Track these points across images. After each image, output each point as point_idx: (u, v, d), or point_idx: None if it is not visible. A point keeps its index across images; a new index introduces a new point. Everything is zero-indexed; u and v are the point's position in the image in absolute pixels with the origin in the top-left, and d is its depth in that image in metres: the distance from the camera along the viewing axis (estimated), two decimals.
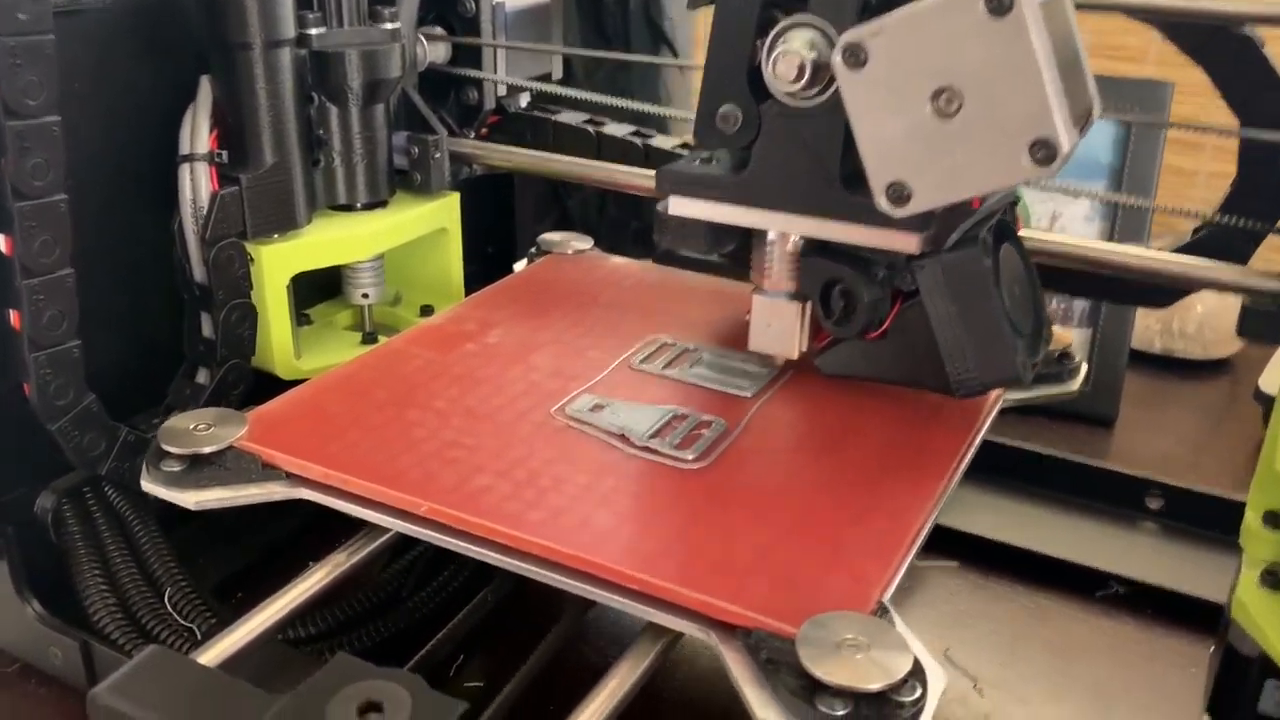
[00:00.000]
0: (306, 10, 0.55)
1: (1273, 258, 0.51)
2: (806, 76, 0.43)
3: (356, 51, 0.56)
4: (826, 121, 0.43)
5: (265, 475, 0.43)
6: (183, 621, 0.50)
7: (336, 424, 0.46)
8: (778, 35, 0.43)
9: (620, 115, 0.65)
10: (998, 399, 0.52)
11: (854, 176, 0.42)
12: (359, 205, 0.60)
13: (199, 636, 0.49)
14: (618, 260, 0.66)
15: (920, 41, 0.39)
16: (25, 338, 0.46)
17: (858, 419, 0.48)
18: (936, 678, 0.33)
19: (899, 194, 0.41)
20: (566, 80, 0.77)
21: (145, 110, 0.53)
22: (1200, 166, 0.50)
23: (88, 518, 0.53)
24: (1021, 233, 0.55)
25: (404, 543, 0.54)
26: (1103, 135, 0.78)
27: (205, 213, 0.52)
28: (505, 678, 0.50)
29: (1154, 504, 0.62)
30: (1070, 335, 0.56)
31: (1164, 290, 0.53)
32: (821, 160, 0.44)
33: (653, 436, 0.45)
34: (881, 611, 0.36)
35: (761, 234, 0.48)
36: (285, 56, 0.53)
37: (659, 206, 0.49)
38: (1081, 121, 0.41)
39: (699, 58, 0.46)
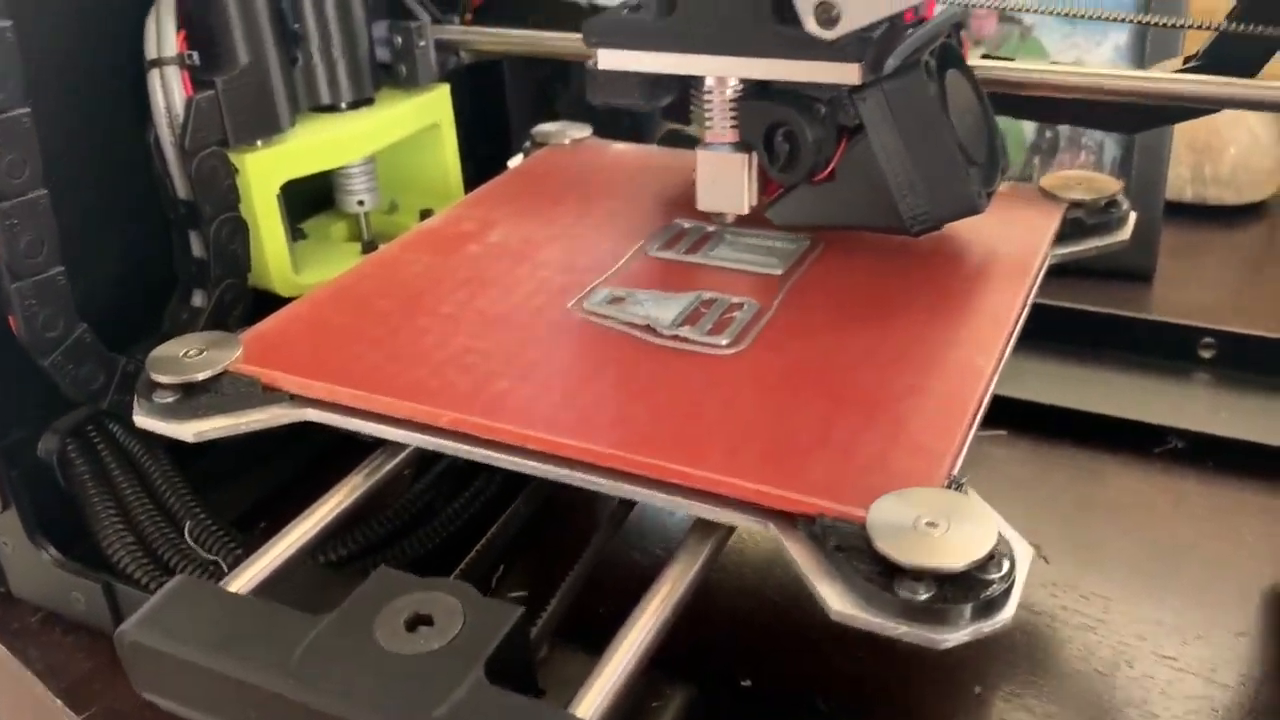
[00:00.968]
0: None
1: None
2: None
3: None
4: None
5: (267, 399, 0.40)
6: (206, 555, 0.47)
7: (339, 338, 0.43)
8: None
9: None
10: (1046, 256, 0.49)
11: (785, 8, 0.40)
12: (343, 105, 0.56)
13: (225, 570, 0.47)
14: (620, 146, 0.62)
15: None
16: (4, 268, 0.43)
17: (899, 287, 0.45)
18: (1024, 550, 0.31)
19: (827, 14, 0.39)
20: None
21: (105, 14, 0.48)
22: None
23: (95, 456, 0.50)
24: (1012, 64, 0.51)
25: (429, 454, 0.52)
26: None
27: (181, 121, 0.49)
28: (550, 587, 0.48)
29: (1206, 353, 0.60)
30: (1118, 183, 0.53)
31: (1170, 110, 0.51)
32: None
33: (681, 324, 0.42)
34: (955, 485, 0.33)
35: (698, 82, 0.46)
36: None
37: (588, 63, 0.47)
38: None
39: None
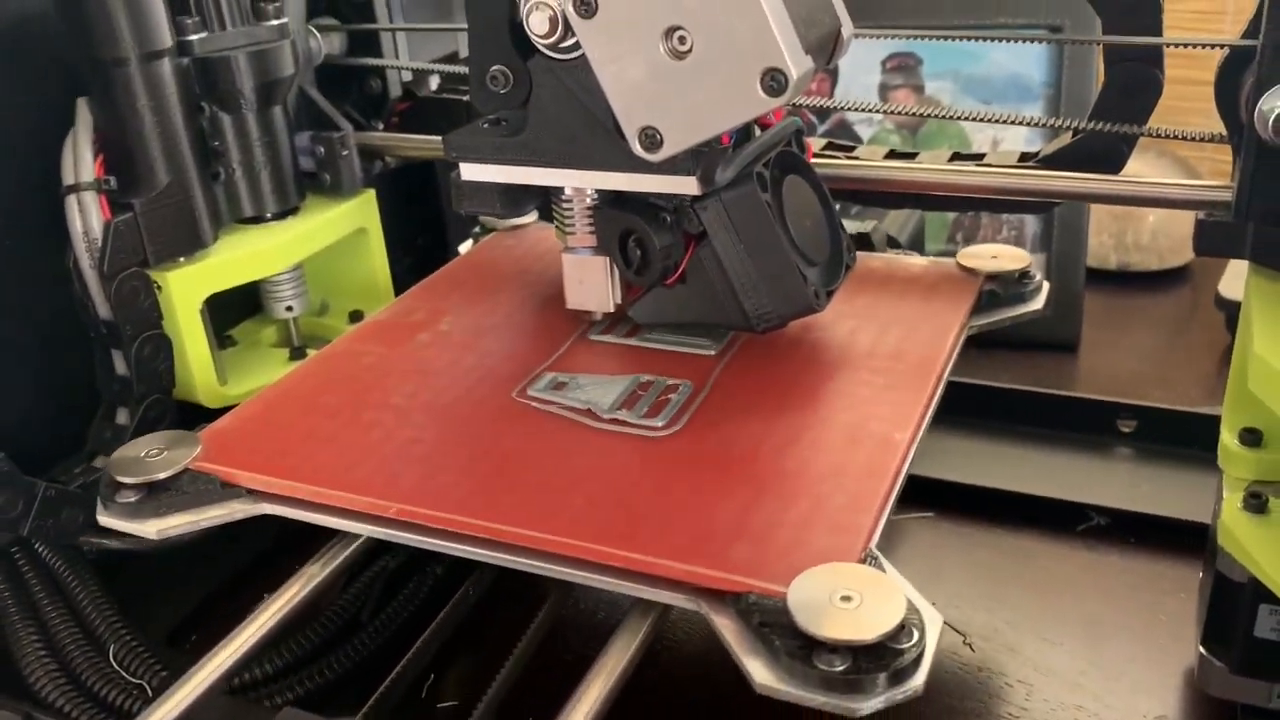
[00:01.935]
0: (183, 16, 0.52)
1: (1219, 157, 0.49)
2: (560, 28, 0.42)
3: (244, 54, 0.53)
4: (591, 72, 0.42)
5: (226, 494, 0.42)
6: (131, 679, 0.47)
7: (293, 434, 0.44)
8: None
9: None
10: (963, 329, 0.51)
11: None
12: (268, 215, 0.57)
13: (150, 692, 0.47)
14: None
15: None
16: None
17: (826, 366, 0.47)
18: (933, 621, 0.33)
19: (651, 140, 0.41)
20: None
21: (21, 141, 0.49)
22: None
23: (19, 579, 0.50)
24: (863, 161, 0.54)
25: (358, 566, 0.52)
26: (1036, 54, 0.76)
27: (100, 245, 0.49)
28: (484, 686, 0.48)
29: (1126, 427, 0.61)
30: (1027, 255, 0.55)
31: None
32: (594, 111, 0.44)
33: (619, 408, 0.45)
34: (870, 559, 0.36)
35: (559, 192, 0.48)
36: (166, 68, 0.50)
37: (451, 174, 0.49)
38: (828, 47, 0.42)
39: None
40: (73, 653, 0.48)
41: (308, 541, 0.43)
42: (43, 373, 0.51)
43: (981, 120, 0.54)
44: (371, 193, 0.61)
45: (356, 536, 0.43)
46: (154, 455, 0.42)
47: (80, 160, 0.49)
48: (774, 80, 0.38)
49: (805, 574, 0.33)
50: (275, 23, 0.55)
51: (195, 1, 0.53)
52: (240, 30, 0.54)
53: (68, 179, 0.49)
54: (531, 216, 0.65)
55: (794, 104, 0.49)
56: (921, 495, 0.59)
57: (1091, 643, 0.50)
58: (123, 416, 0.52)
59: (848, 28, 0.44)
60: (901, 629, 0.32)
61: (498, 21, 0.45)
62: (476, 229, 0.66)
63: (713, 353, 0.49)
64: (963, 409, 0.62)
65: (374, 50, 0.62)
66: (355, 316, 0.62)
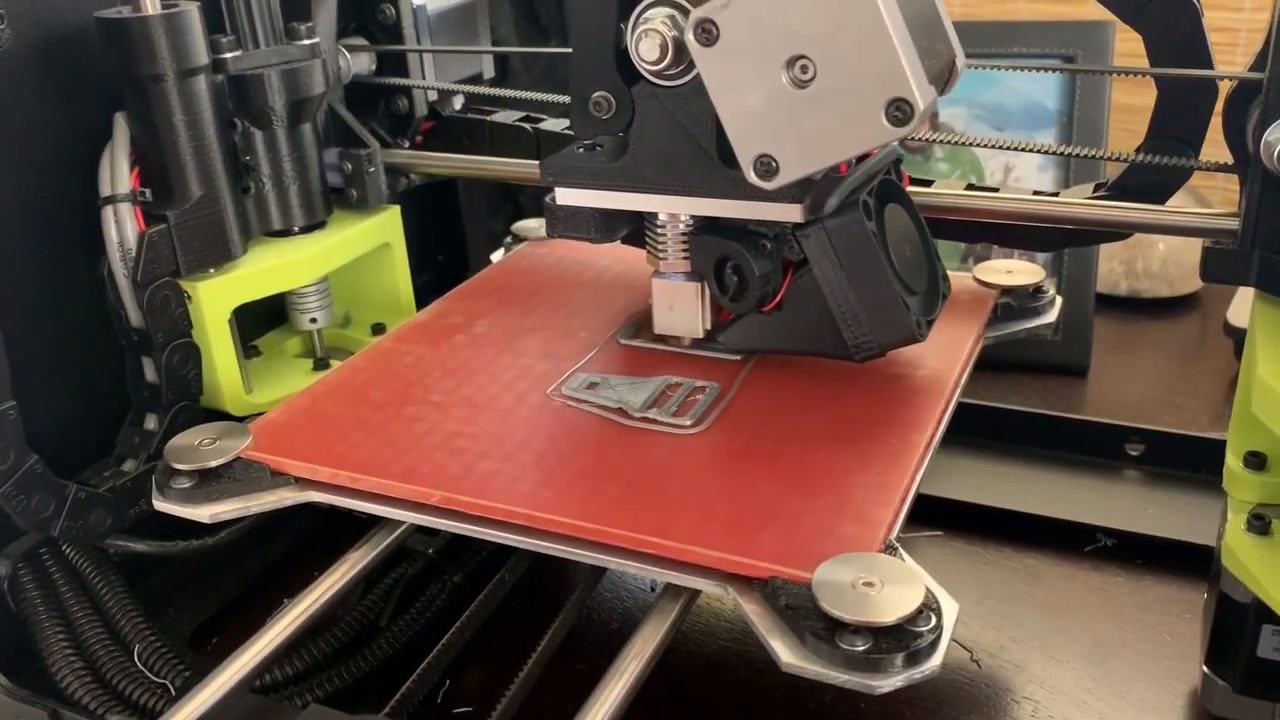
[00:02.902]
0: (219, 35, 0.53)
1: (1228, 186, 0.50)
2: (670, 55, 0.43)
3: (276, 72, 0.54)
4: (697, 100, 0.43)
5: (275, 482, 0.44)
6: (155, 678, 0.48)
7: (338, 427, 0.46)
8: (639, 15, 0.43)
9: (558, 109, 0.63)
10: (978, 339, 0.53)
11: (731, 152, 0.42)
12: (296, 229, 0.58)
13: (173, 692, 0.48)
14: None
15: (768, 12, 0.39)
16: None
17: (847, 370, 0.49)
18: (949, 605, 0.34)
19: (767, 167, 0.41)
20: (504, 76, 0.75)
21: (61, 154, 0.50)
22: (1150, 102, 0.49)
23: (47, 580, 0.51)
24: (937, 188, 0.54)
25: (377, 573, 0.54)
26: (1050, 81, 0.77)
27: (134, 254, 0.50)
28: (499, 695, 0.49)
29: (1134, 451, 0.62)
30: (1041, 270, 0.56)
31: (1091, 233, 0.53)
32: (697, 138, 0.44)
33: (650, 407, 0.46)
34: (890, 549, 0.37)
35: (652, 216, 0.49)
36: (201, 84, 0.51)
37: (546, 198, 0.49)
38: (944, 77, 0.42)
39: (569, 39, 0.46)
40: (98, 652, 0.49)
41: (326, 546, 0.44)
42: (75, 378, 0.53)
43: (1024, 150, 0.54)
44: (396, 209, 0.62)
45: (397, 527, 0.44)
46: (207, 444, 0.45)
47: (117, 173, 0.51)
48: (899, 110, 0.38)
49: (829, 561, 0.35)
50: (307, 42, 0.56)
51: (231, 21, 0.54)
52: (273, 49, 0.55)
53: (104, 190, 0.51)
54: None
55: None
56: (932, 514, 0.60)
57: (1097, 661, 0.51)
58: (151, 422, 0.53)
59: (961, 58, 0.43)
60: (920, 613, 0.33)
61: (603, 48, 0.45)
62: (508, 238, 0.68)
63: (738, 357, 0.50)
64: (974, 430, 0.63)
65: (401, 70, 0.63)
66: (378, 329, 0.63)
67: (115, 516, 0.51)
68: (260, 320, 0.63)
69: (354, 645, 0.52)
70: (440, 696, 0.51)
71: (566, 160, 0.48)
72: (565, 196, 0.48)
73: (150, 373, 0.53)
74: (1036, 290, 0.56)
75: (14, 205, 0.49)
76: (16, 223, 0.49)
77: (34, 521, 0.48)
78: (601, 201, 0.48)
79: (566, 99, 0.61)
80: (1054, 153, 0.53)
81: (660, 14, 0.43)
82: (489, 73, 0.70)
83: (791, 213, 0.44)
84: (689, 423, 0.45)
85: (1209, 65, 0.47)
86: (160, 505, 0.43)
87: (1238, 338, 0.75)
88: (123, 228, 0.51)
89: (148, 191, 0.51)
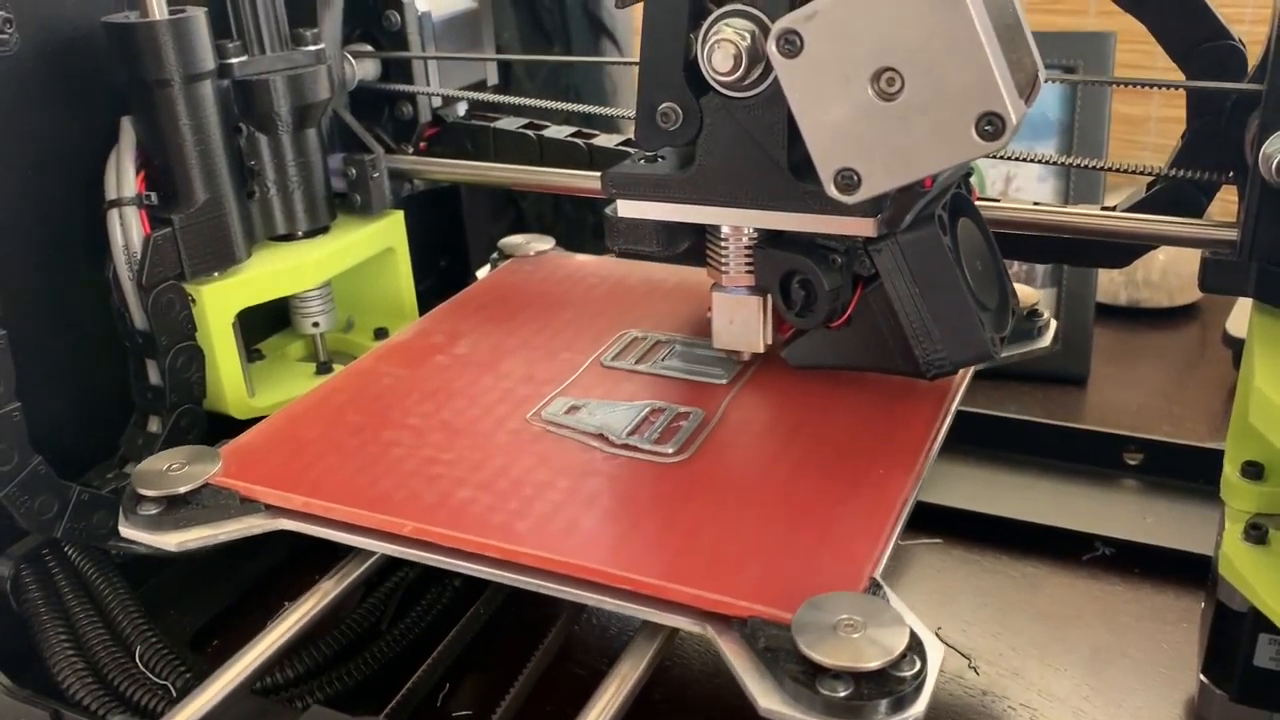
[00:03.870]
0: (225, 40, 0.54)
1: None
2: (743, 66, 0.42)
3: (281, 77, 0.55)
4: (768, 111, 0.42)
5: (244, 509, 0.43)
6: (156, 679, 0.48)
7: (312, 451, 0.45)
8: (711, 26, 0.42)
9: (561, 116, 0.63)
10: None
11: (802, 164, 0.41)
12: (300, 233, 0.58)
13: (174, 693, 0.48)
14: (580, 258, 0.66)
15: (855, 23, 0.38)
16: None
17: (834, 397, 0.48)
18: (934, 650, 0.34)
19: (848, 181, 0.39)
20: (507, 82, 0.76)
21: (67, 157, 0.51)
22: (1150, 113, 0.50)
23: (49, 581, 0.51)
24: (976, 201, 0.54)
25: (377, 577, 0.54)
26: (1049, 92, 0.77)
27: (139, 258, 0.51)
28: (496, 700, 0.49)
29: (1133, 460, 0.62)
30: (1037, 293, 0.56)
31: (1122, 249, 0.52)
32: (768, 150, 0.43)
33: (631, 433, 0.45)
34: (874, 588, 0.36)
35: (715, 229, 0.47)
36: (207, 89, 0.52)
37: (607, 210, 0.48)
38: (1028, 89, 0.40)
39: (639, 50, 0.45)
40: (100, 653, 0.49)
41: (327, 552, 0.44)
42: (79, 380, 0.53)
43: (1026, 160, 0.53)
44: (400, 214, 0.63)
45: (372, 554, 0.43)
46: (176, 469, 0.43)
47: (123, 176, 0.51)
48: (990, 124, 0.37)
49: (810, 601, 0.34)
50: (312, 48, 0.57)
51: (237, 26, 0.55)
52: (279, 55, 0.56)
53: (110, 194, 0.51)
54: (549, 243, 0.67)
55: None
56: (931, 522, 0.60)
57: (1095, 670, 0.51)
58: (154, 425, 0.54)
59: (1043, 71, 0.42)
60: (904, 657, 0.32)
61: (672, 57, 0.44)
62: (495, 254, 0.68)
63: (724, 382, 0.49)
64: (973, 438, 0.63)
65: (406, 77, 0.64)
66: (380, 334, 0.64)
67: (118, 518, 0.51)
68: (263, 324, 0.63)
69: (354, 648, 0.52)
70: (440, 700, 0.51)
71: (629, 172, 0.47)
72: (628, 209, 0.47)
73: (154, 375, 0.53)
74: (1031, 314, 0.55)
75: (20, 208, 0.49)
76: (22, 225, 0.49)
77: (37, 523, 0.48)
78: (666, 214, 0.46)
79: (570, 106, 0.61)
80: (1056, 163, 0.53)
81: (734, 25, 0.42)
82: (493, 80, 0.70)
83: (865, 227, 0.43)
84: (671, 450, 0.44)
85: (1225, 34, 0.46)
86: (126, 532, 0.42)
87: (1236, 348, 0.76)
88: (128, 231, 0.51)
89: (153, 195, 0.52)
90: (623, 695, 0.37)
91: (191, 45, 0.50)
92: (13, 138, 0.48)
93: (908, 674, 0.32)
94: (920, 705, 0.32)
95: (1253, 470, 0.43)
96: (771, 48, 0.39)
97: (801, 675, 0.32)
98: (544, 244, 0.66)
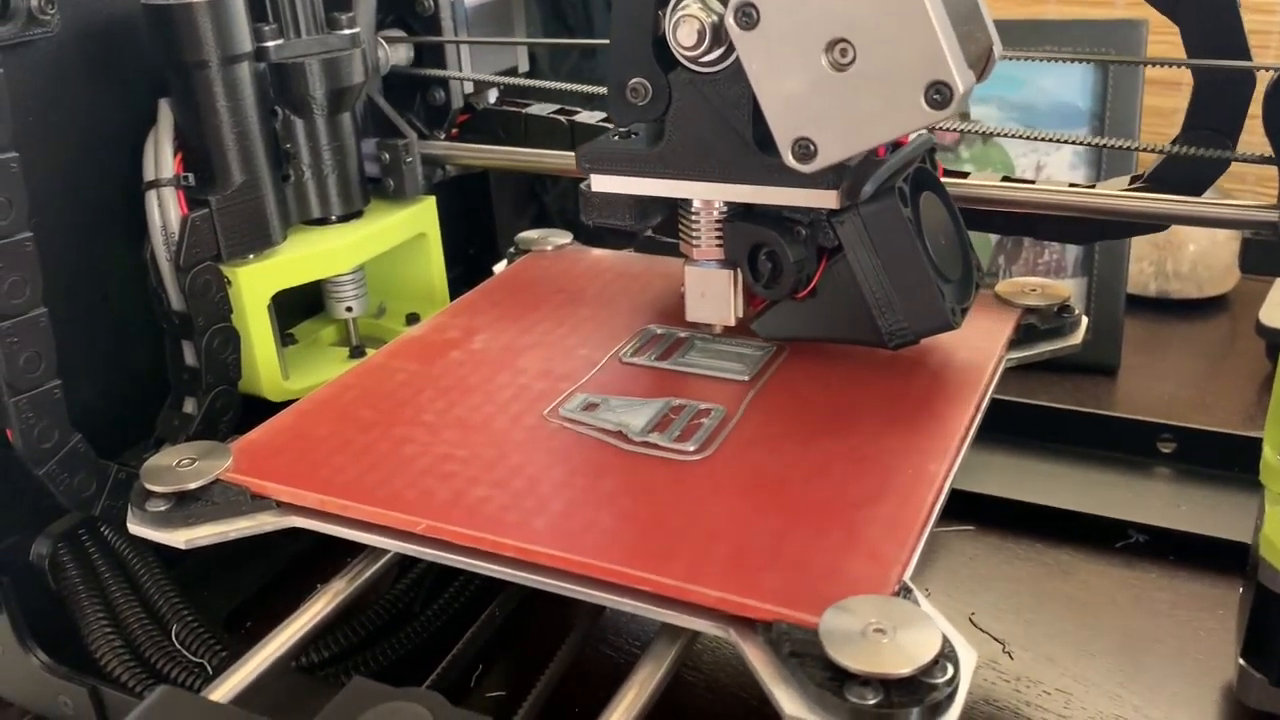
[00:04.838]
0: (262, 23, 0.54)
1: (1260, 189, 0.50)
2: (707, 40, 0.43)
3: (317, 61, 0.55)
4: (734, 85, 0.43)
5: (255, 506, 0.42)
6: (192, 658, 0.49)
7: (324, 448, 0.44)
8: (677, 1, 0.43)
9: (592, 102, 0.63)
10: (1000, 360, 0.51)
11: (767, 138, 0.42)
12: (334, 217, 0.59)
13: (210, 671, 0.48)
14: (599, 253, 0.65)
15: None
16: (3, 383, 0.45)
17: (860, 393, 0.47)
18: (968, 655, 0.32)
19: (805, 150, 0.41)
20: (531, 73, 0.76)
21: (106, 139, 0.51)
22: (1181, 104, 0.49)
23: (86, 560, 0.52)
24: (973, 179, 0.54)
25: (410, 559, 0.54)
26: (1081, 81, 0.77)
27: (176, 239, 0.51)
28: (528, 684, 0.49)
29: (1166, 448, 0.62)
30: (1068, 288, 0.55)
31: (1129, 224, 0.53)
32: (733, 125, 0.44)
33: (651, 430, 0.44)
34: (904, 592, 0.35)
35: (686, 203, 0.48)
36: (244, 71, 0.52)
37: (581, 185, 0.49)
38: (981, 63, 0.42)
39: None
40: (136, 631, 0.50)
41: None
42: (117, 360, 0.53)
43: (1053, 140, 0.54)
44: (432, 199, 0.63)
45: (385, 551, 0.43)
46: (185, 465, 0.43)
47: (161, 158, 0.51)
48: (938, 93, 0.38)
49: (838, 605, 0.33)
50: (347, 32, 0.57)
51: (273, 9, 0.55)
52: (314, 39, 0.56)
53: (148, 175, 0.52)
54: (567, 237, 0.66)
55: None
56: (963, 509, 0.59)
57: (1130, 656, 0.50)
58: (190, 406, 0.54)
59: (998, 46, 0.43)
60: (936, 663, 0.31)
61: (640, 34, 0.45)
62: (511, 249, 0.68)
63: (746, 378, 0.48)
64: (1005, 426, 0.63)
65: (439, 62, 0.64)
66: (412, 319, 0.64)
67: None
68: (297, 308, 0.64)
69: (387, 630, 0.52)
70: (473, 680, 0.51)
71: (602, 147, 0.48)
72: (600, 183, 0.48)
73: (190, 356, 0.54)
74: (1062, 309, 0.54)
75: (60, 189, 0.50)
76: (62, 206, 0.50)
77: (77, 500, 0.49)
78: (637, 188, 0.48)
79: (601, 90, 0.61)
80: (1086, 144, 0.53)
81: (698, 1, 0.43)
82: (523, 67, 0.70)
83: (827, 199, 0.44)
84: (692, 448, 0.43)
85: (1246, 55, 0.47)
86: (134, 528, 0.42)
87: (1270, 338, 0.75)
88: (166, 212, 0.51)
89: (190, 177, 0.52)
90: (641, 702, 0.36)
91: (228, 27, 0.51)
92: (53, 119, 0.49)
93: (940, 680, 0.31)
94: (953, 713, 0.31)
95: None
96: (729, 20, 0.40)
97: (828, 681, 0.31)
98: (562, 238, 0.66)
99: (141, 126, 0.52)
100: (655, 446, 0.43)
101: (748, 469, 0.42)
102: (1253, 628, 0.45)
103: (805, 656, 0.32)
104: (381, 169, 0.61)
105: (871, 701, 0.30)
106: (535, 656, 0.51)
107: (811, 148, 0.41)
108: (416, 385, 0.49)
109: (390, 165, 0.61)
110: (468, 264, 0.74)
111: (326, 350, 0.63)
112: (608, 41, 0.46)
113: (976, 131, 0.55)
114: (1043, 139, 0.54)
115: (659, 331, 0.53)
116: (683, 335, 0.53)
